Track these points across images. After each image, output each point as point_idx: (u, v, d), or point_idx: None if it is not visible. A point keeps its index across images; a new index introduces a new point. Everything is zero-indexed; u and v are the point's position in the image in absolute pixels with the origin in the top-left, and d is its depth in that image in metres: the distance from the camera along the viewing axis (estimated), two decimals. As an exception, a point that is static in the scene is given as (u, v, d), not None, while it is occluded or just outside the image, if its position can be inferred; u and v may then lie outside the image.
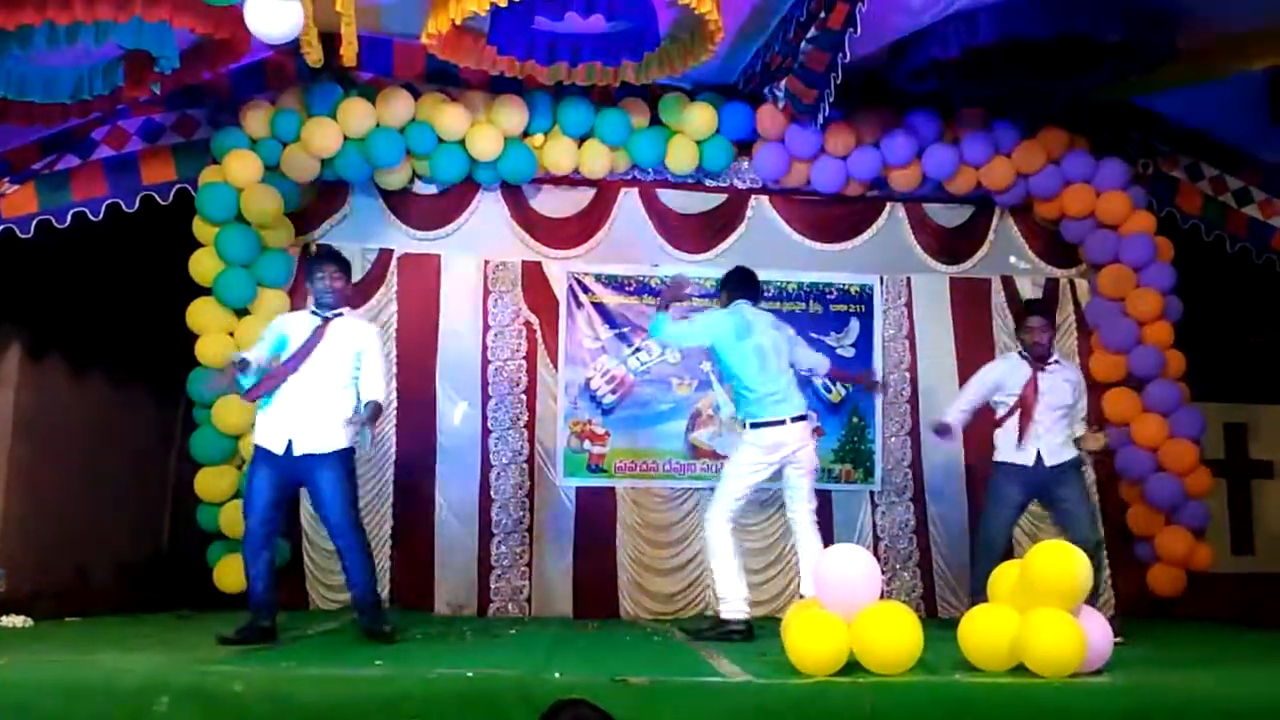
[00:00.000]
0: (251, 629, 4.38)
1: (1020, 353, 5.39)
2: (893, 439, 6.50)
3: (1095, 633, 3.76)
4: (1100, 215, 6.37)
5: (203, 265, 5.77)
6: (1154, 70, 5.63)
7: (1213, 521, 6.36)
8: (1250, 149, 6.53)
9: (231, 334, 5.75)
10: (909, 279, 6.63)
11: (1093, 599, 4.76)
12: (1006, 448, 5.26)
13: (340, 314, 4.67)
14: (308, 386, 4.51)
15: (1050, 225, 6.62)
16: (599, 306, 6.42)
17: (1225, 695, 3.67)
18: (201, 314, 5.75)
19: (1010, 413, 5.23)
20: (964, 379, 6.51)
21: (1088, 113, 6.36)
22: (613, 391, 6.37)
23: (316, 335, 4.56)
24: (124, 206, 5.60)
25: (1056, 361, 5.35)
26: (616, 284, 6.44)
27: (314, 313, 4.68)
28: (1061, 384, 5.24)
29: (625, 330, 6.41)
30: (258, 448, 4.53)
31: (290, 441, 4.46)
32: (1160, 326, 6.29)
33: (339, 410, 4.52)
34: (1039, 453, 5.16)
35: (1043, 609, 3.73)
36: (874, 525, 6.42)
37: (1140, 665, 4.07)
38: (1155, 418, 6.22)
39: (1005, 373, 5.37)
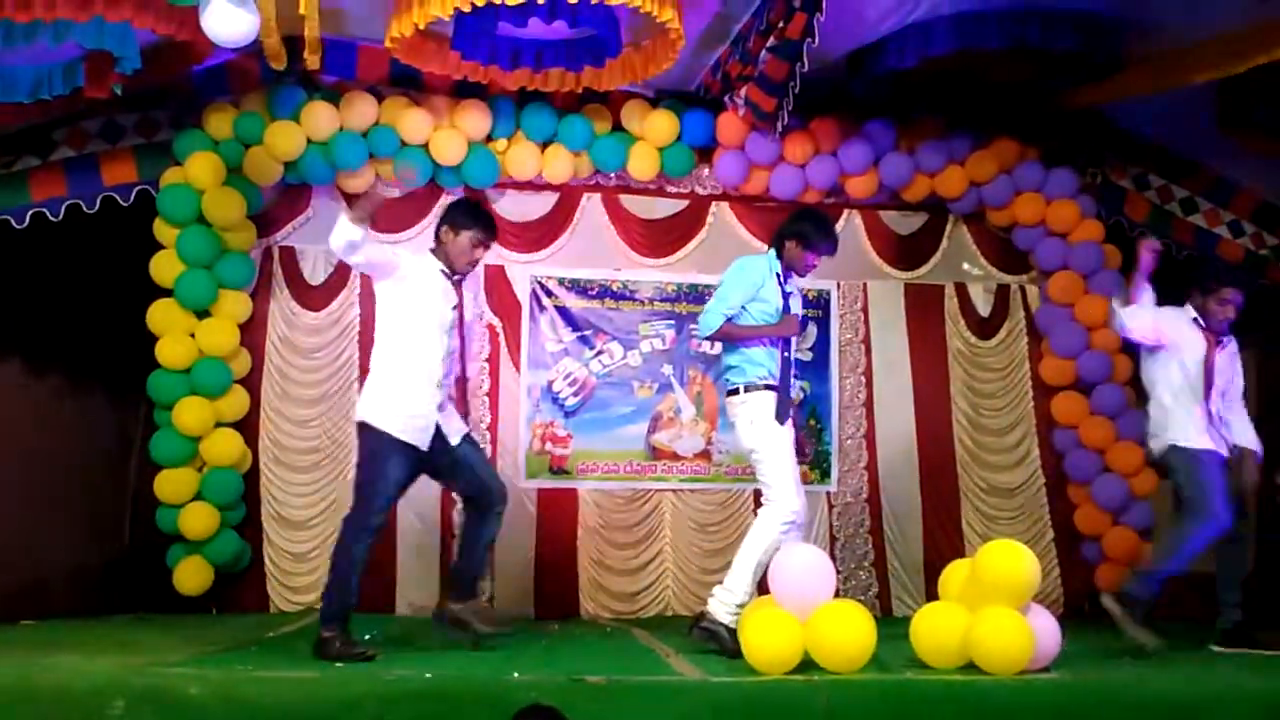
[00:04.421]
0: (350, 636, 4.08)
1: (1195, 318, 4.94)
2: (849, 441, 6.60)
3: (1043, 630, 3.86)
4: (1050, 223, 6.49)
5: (163, 267, 5.74)
6: (1103, 80, 5.78)
7: (1158, 522, 6.49)
8: (1197, 158, 6.68)
9: (192, 335, 5.74)
10: (865, 285, 6.73)
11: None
12: (1196, 431, 4.75)
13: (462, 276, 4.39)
14: (448, 363, 4.27)
15: (1002, 233, 6.74)
16: (562, 310, 6.46)
17: (1171, 691, 3.78)
18: (162, 315, 5.72)
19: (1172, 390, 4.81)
20: (919, 383, 6.68)
21: (1038, 123, 6.48)
22: (575, 394, 6.42)
23: (458, 303, 4.29)
24: (84, 207, 5.57)
25: (1229, 337, 4.91)
26: (579, 288, 6.49)
27: (446, 273, 4.33)
28: (1230, 361, 4.86)
29: (587, 333, 6.45)
30: (396, 440, 4.13)
31: (439, 426, 4.23)
32: (1108, 332, 6.35)
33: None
34: (1225, 441, 4.78)
35: (992, 607, 3.82)
36: (830, 526, 6.51)
37: (1087, 662, 4.17)
38: (1103, 420, 6.36)
39: (1175, 320, 4.89)
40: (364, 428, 4.20)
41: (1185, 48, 5.36)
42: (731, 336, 4.51)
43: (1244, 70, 5.08)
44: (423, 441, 4.20)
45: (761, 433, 4.43)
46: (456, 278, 4.38)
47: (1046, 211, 6.48)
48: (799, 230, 4.60)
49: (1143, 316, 4.94)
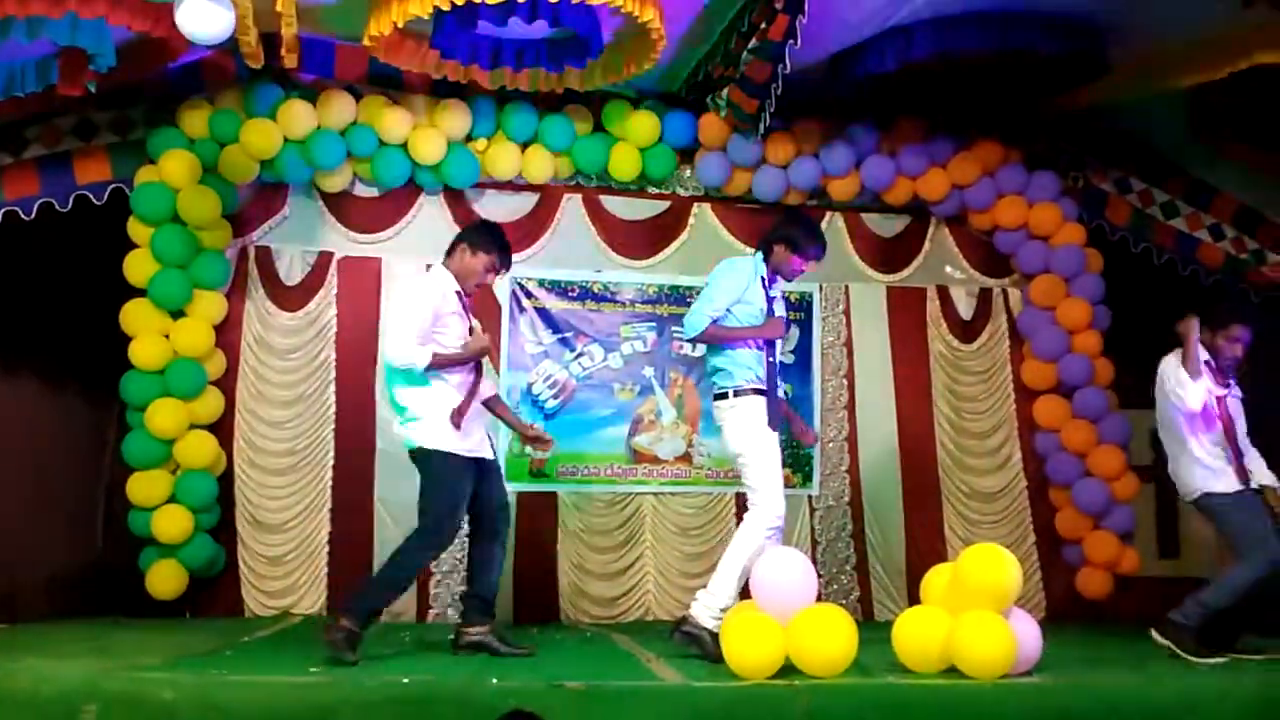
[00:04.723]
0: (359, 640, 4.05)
1: (1206, 360, 4.82)
2: (831, 444, 6.58)
3: (1025, 634, 3.85)
4: (1032, 227, 6.51)
5: (137, 266, 5.67)
6: (1086, 84, 5.79)
7: (1139, 526, 6.50)
8: (1178, 162, 6.71)
9: (167, 336, 5.67)
10: (847, 287, 6.72)
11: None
12: (1227, 475, 4.73)
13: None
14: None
15: (984, 236, 6.76)
16: (541, 311, 6.42)
17: (1151, 695, 3.78)
18: (136, 316, 5.65)
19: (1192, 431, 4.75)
20: (900, 386, 6.68)
21: (1021, 126, 6.50)
22: (555, 396, 6.38)
23: (471, 325, 4.45)
24: (57, 206, 5.49)
25: (1233, 379, 4.88)
26: (559, 289, 6.45)
27: (459, 293, 4.44)
28: (1238, 405, 4.79)
29: (568, 335, 6.42)
30: (463, 458, 4.28)
31: (490, 441, 4.46)
32: (1089, 335, 6.43)
33: None
34: (1249, 472, 4.73)
35: (974, 611, 3.81)
36: (812, 530, 6.49)
37: (1069, 666, 4.16)
38: (1084, 424, 6.37)
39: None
40: (431, 454, 4.26)
41: (1168, 52, 5.38)
42: (717, 338, 4.49)
43: (1225, 75, 5.11)
44: (486, 451, 4.42)
45: (750, 437, 4.41)
46: (469, 297, 4.50)
47: (1028, 215, 6.50)
48: (788, 235, 4.59)
49: (1199, 392, 4.78)
